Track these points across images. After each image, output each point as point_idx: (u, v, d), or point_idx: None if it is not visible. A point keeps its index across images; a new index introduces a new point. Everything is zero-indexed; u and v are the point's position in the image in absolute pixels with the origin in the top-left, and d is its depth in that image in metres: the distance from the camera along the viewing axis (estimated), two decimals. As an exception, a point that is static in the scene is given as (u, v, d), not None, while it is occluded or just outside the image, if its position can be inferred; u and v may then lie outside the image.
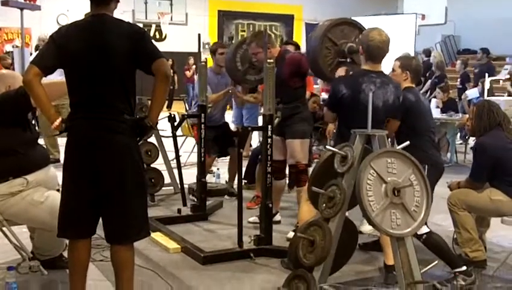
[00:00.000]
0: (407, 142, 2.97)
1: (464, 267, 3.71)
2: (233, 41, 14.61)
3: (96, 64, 2.88)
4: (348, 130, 3.02)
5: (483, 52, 12.48)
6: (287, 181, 5.63)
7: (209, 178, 6.11)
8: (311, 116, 5.15)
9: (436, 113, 7.80)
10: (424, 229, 3.68)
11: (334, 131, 5.84)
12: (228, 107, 6.95)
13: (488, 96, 9.31)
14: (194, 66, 16.32)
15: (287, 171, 5.05)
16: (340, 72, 4.02)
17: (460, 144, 9.44)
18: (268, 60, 4.19)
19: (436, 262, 3.00)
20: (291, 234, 4.42)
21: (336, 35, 4.13)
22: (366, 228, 4.68)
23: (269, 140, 4.20)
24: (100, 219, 3.02)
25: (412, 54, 11.80)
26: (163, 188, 5.95)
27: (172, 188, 6.16)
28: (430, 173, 3.80)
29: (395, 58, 4.15)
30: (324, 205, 2.89)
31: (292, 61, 4.69)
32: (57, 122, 2.93)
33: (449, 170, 4.39)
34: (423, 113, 4.03)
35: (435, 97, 8.97)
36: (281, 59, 4.65)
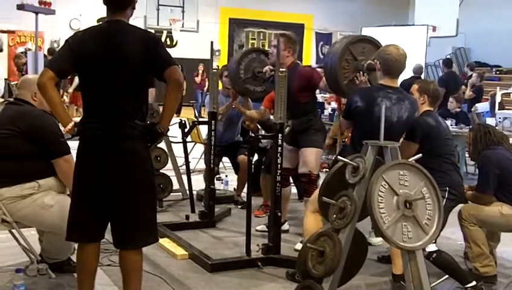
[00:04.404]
0: (420, 155, 2.95)
1: (474, 283, 3.67)
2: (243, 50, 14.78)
3: (110, 69, 2.89)
4: (361, 142, 3.00)
5: (444, 64, 12.29)
6: (296, 191, 5.59)
7: (218, 185, 6.10)
8: (324, 127, 5.11)
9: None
10: (432, 247, 3.58)
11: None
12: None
13: (498, 109, 9.27)
14: (201, 72, 16.75)
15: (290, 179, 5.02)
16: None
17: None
18: (281, 69, 4.17)
19: (446, 276, 2.98)
20: (299, 245, 4.38)
21: (356, 51, 4.14)
22: (376, 239, 4.65)
23: (279, 149, 4.19)
24: (109, 224, 3.02)
25: (423, 66, 11.79)
26: (171, 193, 5.95)
27: (180, 193, 6.17)
28: (450, 197, 3.76)
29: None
30: (335, 215, 2.86)
31: (303, 75, 4.59)
32: (70, 125, 2.93)
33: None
34: (443, 136, 3.96)
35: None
36: (291, 72, 4.46)
